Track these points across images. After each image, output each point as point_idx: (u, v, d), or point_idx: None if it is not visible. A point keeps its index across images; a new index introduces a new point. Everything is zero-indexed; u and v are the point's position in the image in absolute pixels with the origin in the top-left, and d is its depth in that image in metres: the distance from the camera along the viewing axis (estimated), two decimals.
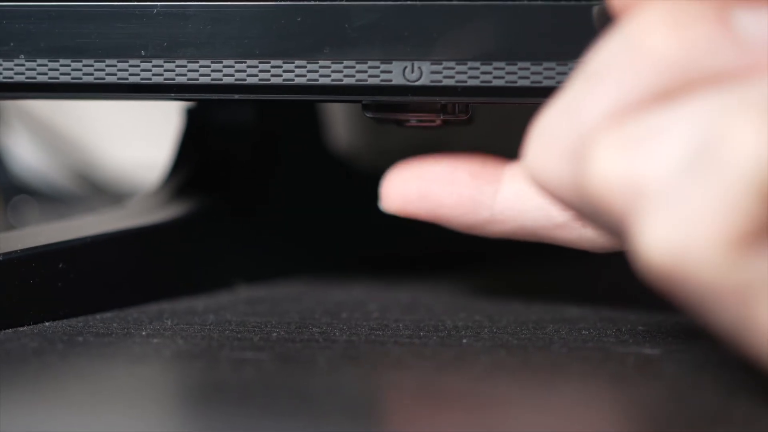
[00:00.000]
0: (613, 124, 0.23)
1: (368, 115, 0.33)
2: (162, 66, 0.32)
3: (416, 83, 0.31)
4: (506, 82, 0.30)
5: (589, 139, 0.23)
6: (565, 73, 0.30)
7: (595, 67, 0.24)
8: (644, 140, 0.22)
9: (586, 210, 0.24)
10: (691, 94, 0.22)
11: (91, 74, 0.32)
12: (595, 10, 0.29)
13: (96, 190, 0.69)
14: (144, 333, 0.33)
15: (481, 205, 0.32)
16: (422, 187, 0.33)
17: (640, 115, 0.23)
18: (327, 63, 0.31)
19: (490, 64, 0.30)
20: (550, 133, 0.24)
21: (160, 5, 0.32)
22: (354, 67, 0.31)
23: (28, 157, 0.71)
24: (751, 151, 0.21)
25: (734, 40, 0.23)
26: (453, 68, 0.31)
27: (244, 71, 0.32)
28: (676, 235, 0.21)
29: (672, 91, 0.23)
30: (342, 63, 0.31)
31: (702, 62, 0.23)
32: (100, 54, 0.32)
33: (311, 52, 0.31)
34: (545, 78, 0.30)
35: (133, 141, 0.72)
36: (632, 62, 0.23)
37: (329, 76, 0.31)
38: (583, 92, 0.24)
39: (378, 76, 0.31)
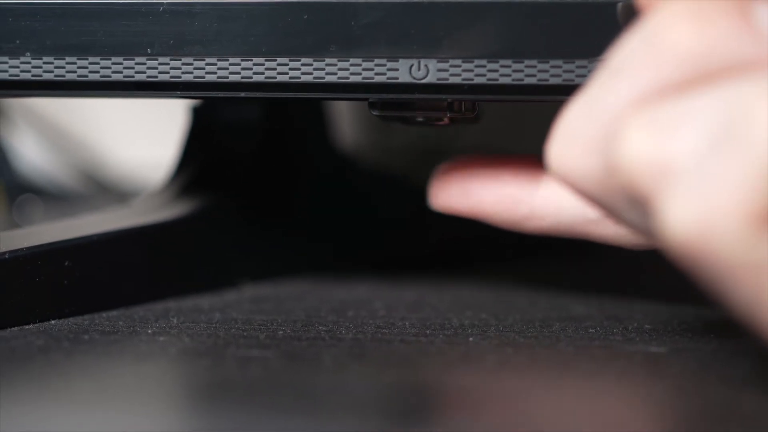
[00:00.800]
0: (641, 108, 0.23)
1: (374, 113, 0.33)
2: (168, 64, 0.32)
3: (423, 81, 0.31)
4: (513, 80, 0.30)
5: (618, 123, 0.23)
6: (571, 71, 0.30)
7: (618, 61, 0.24)
8: (672, 122, 0.23)
9: (609, 202, 0.25)
10: (715, 81, 0.23)
11: (97, 72, 0.32)
12: (620, 6, 0.29)
13: (101, 189, 0.69)
14: (150, 331, 0.33)
15: (521, 202, 0.33)
16: (465, 186, 0.34)
17: (667, 100, 0.23)
18: (333, 61, 0.31)
19: (497, 62, 0.30)
20: (574, 127, 0.25)
21: (167, 3, 0.32)
22: (360, 65, 0.31)
23: (34, 156, 0.71)
24: None
25: (754, 34, 0.23)
26: (459, 66, 0.31)
27: (251, 69, 0.32)
28: (700, 212, 0.22)
29: (693, 82, 0.23)
30: (348, 61, 0.31)
31: (722, 55, 0.23)
32: (105, 52, 0.32)
33: (317, 50, 0.31)
34: (552, 76, 0.30)
35: (138, 140, 0.73)
36: (655, 55, 0.24)
37: (335, 74, 0.31)
38: (606, 85, 0.24)
39: (384, 74, 0.31)
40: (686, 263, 0.23)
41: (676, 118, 0.23)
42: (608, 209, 0.25)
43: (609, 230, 0.32)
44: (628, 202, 0.24)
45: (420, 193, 0.42)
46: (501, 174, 0.33)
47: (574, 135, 0.25)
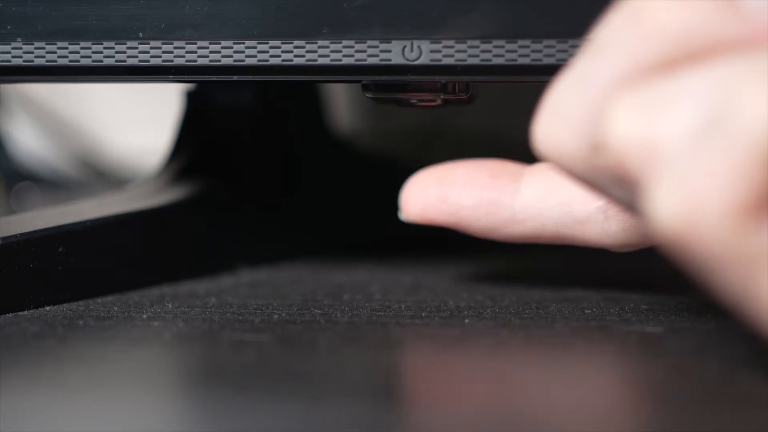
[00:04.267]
0: (628, 87, 0.23)
1: (368, 96, 0.33)
2: (160, 48, 0.32)
3: (416, 62, 0.31)
4: (506, 60, 0.30)
5: (605, 101, 0.23)
6: (565, 51, 0.30)
7: (600, 40, 0.24)
8: (662, 102, 0.23)
9: (596, 180, 0.24)
10: (702, 62, 0.23)
11: (89, 57, 0.32)
12: None
13: (99, 175, 0.69)
14: (145, 316, 0.32)
15: (502, 205, 0.32)
16: (442, 191, 0.33)
17: (656, 80, 0.23)
18: (326, 43, 0.31)
19: (490, 43, 0.30)
20: (559, 105, 0.25)
21: None
22: (353, 47, 0.31)
23: (31, 143, 0.71)
24: (762, 120, 0.21)
25: (736, 12, 0.23)
26: (452, 47, 0.30)
27: (243, 52, 0.31)
28: (686, 200, 0.22)
29: (677, 60, 0.23)
30: (341, 43, 0.31)
31: (705, 33, 0.23)
32: (97, 36, 0.32)
33: (310, 33, 0.31)
34: (545, 56, 0.30)
35: (136, 126, 0.72)
36: (637, 33, 0.23)
37: (328, 56, 0.31)
38: (590, 64, 0.24)
39: (377, 56, 0.31)
40: (673, 251, 0.22)
41: (665, 99, 0.23)
42: (595, 187, 0.25)
43: (595, 230, 0.32)
44: (615, 180, 0.24)
45: None
46: (479, 178, 0.33)
47: (560, 113, 0.25)
